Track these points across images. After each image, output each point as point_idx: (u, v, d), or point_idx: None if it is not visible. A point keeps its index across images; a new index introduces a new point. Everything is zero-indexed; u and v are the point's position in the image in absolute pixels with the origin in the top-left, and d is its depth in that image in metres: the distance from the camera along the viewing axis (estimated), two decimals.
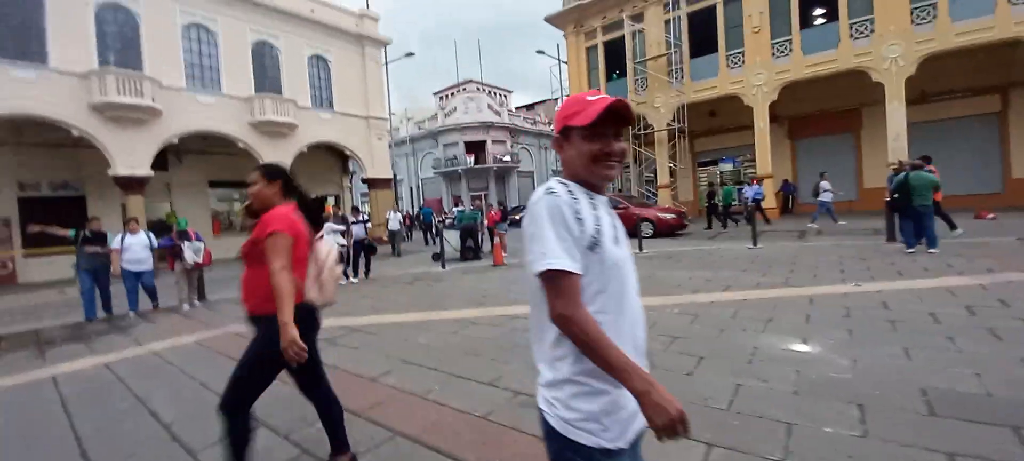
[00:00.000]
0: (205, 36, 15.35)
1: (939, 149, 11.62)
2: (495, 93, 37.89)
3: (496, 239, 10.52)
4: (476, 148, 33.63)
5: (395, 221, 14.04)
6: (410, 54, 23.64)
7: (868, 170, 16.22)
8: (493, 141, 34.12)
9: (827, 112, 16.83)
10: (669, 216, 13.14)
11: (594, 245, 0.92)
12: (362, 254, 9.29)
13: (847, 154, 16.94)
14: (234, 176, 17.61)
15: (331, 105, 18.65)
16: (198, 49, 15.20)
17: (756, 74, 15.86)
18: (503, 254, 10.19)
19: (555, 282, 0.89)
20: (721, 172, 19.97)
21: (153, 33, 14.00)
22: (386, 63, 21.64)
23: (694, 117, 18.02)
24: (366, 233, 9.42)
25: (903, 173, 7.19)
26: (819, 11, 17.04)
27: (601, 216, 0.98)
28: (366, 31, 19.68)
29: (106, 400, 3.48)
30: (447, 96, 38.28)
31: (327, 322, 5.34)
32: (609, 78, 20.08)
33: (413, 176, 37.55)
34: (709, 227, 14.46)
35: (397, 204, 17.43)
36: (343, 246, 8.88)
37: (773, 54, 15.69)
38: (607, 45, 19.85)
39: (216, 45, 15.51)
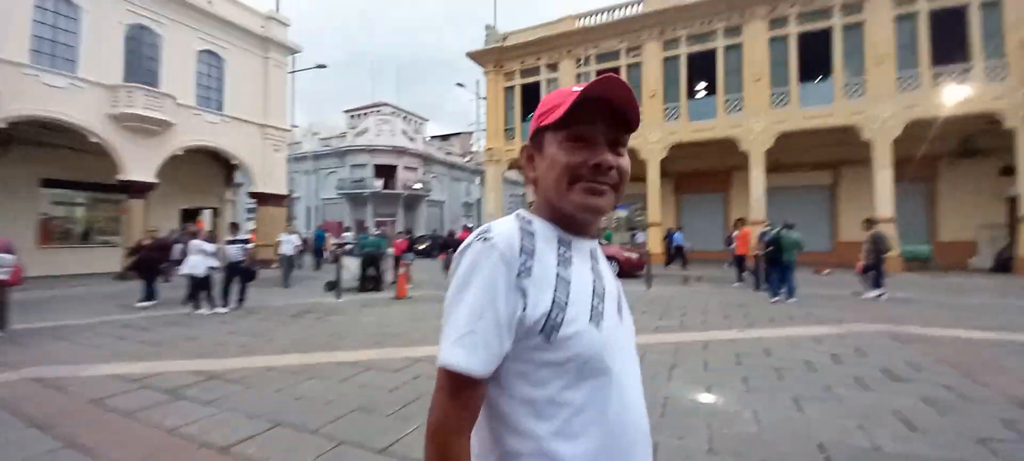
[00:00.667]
0: (65, 8, 12.74)
1: (785, 211, 13.76)
2: (410, 119, 37.20)
3: (401, 269, 9.88)
4: (386, 172, 32.38)
5: (289, 244, 11.98)
6: (321, 65, 22.18)
7: (734, 222, 18.65)
8: (404, 167, 33.18)
9: (704, 172, 19.20)
10: (633, 256, 13.21)
11: (548, 327, 0.63)
12: (236, 280, 8.04)
13: (718, 210, 19.37)
14: (79, 175, 14.58)
15: (220, 107, 16.54)
16: (53, 21, 12.52)
17: (651, 132, 17.58)
18: (408, 287, 9.58)
19: (445, 380, 0.63)
20: (616, 218, 21.52)
21: None
22: (293, 71, 20.01)
23: None
24: (244, 255, 8.18)
25: (776, 230, 8.27)
26: (702, 85, 19.70)
27: (575, 276, 0.67)
28: (273, 35, 18.06)
29: None
30: (359, 115, 36.63)
31: (172, 366, 4.41)
32: (524, 118, 20.82)
33: (313, 195, 34.71)
34: None
35: (291, 224, 15.65)
36: (212, 269, 7.60)
37: (665, 116, 17.58)
38: (524, 87, 20.66)
39: (78, 20, 12.93)
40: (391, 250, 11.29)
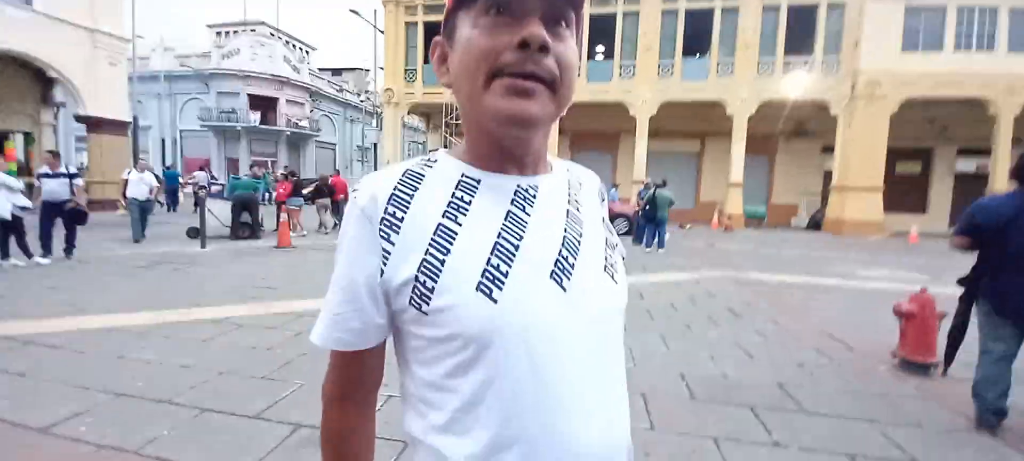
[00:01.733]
0: None
1: (661, 174, 15.32)
2: (295, 46, 32.82)
3: (284, 216, 8.95)
4: (264, 105, 28.44)
5: (140, 185, 8.74)
6: None
7: (622, 182, 20.35)
8: (288, 100, 29.50)
9: (598, 132, 20.38)
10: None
11: (416, 296, 0.49)
12: (59, 222, 6.56)
13: (607, 169, 20.89)
14: None
15: (29, 1, 12.73)
16: None
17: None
18: (291, 235, 8.76)
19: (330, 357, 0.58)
20: None
21: None
22: None
23: None
24: (72, 192, 6.64)
25: (652, 190, 9.18)
26: (600, 49, 20.47)
27: (470, 227, 0.51)
28: None
29: None
30: (228, 33, 31.22)
31: None
32: (426, 60, 19.66)
33: (169, 126, 29.21)
34: None
35: (139, 159, 12.89)
36: (22, 208, 6.08)
37: None
38: (428, 25, 19.36)
39: None
40: (273, 193, 10.13)
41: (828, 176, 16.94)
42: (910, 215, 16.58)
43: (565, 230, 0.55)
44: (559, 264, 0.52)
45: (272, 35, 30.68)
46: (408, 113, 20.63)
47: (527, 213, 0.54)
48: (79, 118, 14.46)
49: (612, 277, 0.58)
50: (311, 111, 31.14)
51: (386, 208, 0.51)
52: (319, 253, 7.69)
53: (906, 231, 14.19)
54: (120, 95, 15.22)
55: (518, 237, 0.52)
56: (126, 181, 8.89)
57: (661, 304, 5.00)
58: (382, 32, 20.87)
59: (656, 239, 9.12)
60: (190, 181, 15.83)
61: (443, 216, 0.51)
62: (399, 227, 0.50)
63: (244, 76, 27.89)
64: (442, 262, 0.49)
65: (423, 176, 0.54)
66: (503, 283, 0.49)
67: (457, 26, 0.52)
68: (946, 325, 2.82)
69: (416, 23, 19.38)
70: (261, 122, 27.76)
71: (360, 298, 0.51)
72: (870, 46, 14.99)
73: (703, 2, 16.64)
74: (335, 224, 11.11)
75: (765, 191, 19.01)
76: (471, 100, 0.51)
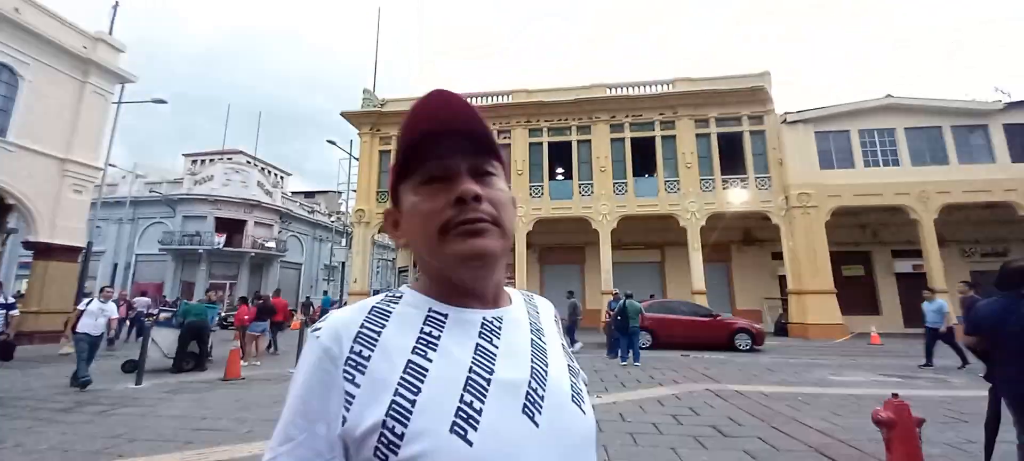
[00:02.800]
0: None
1: (627, 283, 15.61)
2: (269, 171, 33.82)
3: (235, 343, 8.34)
4: (231, 228, 28.24)
5: (99, 317, 7.10)
6: (160, 100, 19.06)
7: (591, 294, 20.57)
8: (256, 222, 29.46)
9: (564, 246, 21.12)
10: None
11: (383, 444, 0.45)
12: None
13: (576, 279, 21.25)
14: None
15: (3, 132, 12.86)
16: None
17: (519, 207, 18.90)
18: (242, 364, 8.10)
19: None
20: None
21: None
22: (120, 102, 16.74)
23: None
24: (4, 324, 6.06)
25: (622, 300, 9.29)
26: (560, 170, 22.20)
27: (440, 364, 0.50)
28: (98, 57, 15.09)
29: None
30: (203, 161, 31.99)
31: None
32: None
33: (125, 250, 28.17)
34: None
35: (104, 288, 11.96)
36: None
37: (531, 194, 19.17)
38: None
39: None
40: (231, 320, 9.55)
41: (782, 280, 17.82)
42: (866, 316, 17.35)
43: (532, 361, 0.56)
44: (530, 397, 0.52)
45: (248, 162, 31.70)
46: (378, 231, 20.89)
47: (495, 345, 0.54)
48: (28, 244, 13.79)
49: (580, 406, 0.57)
50: (279, 232, 31.03)
51: (351, 347, 0.49)
52: (271, 386, 7.08)
53: (866, 332, 14.68)
54: (79, 221, 14.83)
55: (489, 371, 0.51)
56: (80, 312, 7.14)
57: (644, 426, 4.77)
58: (356, 159, 22.00)
59: (631, 351, 9.00)
60: (132, 309, 14.72)
61: (412, 352, 0.50)
62: (365, 367, 0.48)
63: (214, 200, 28.05)
64: (412, 403, 0.46)
65: (390, 313, 0.54)
66: (478, 422, 0.47)
67: (402, 196, 0.59)
68: (926, 430, 2.84)
69: (389, 151, 20.67)
70: (226, 244, 27.27)
71: (318, 448, 0.46)
72: (793, 164, 17.00)
73: (644, 131, 18.85)
74: (271, 346, 10.52)
75: (727, 297, 19.58)
76: (431, 253, 0.55)
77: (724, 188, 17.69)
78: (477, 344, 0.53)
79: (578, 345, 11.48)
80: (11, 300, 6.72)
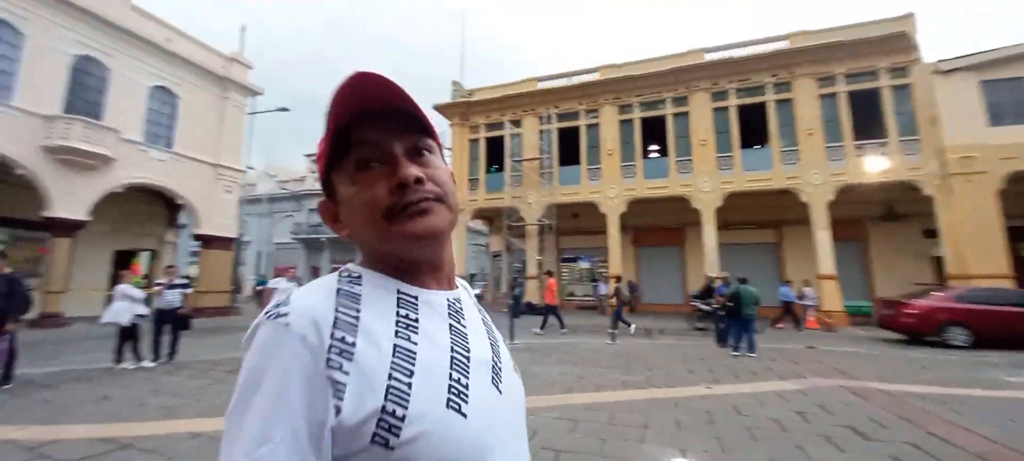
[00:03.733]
0: (7, 34, 11.94)
1: (735, 266, 14.30)
2: None
3: None
4: None
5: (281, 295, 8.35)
6: (284, 109, 21.81)
7: (693, 279, 19.30)
8: None
9: (662, 227, 20.02)
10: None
11: (383, 431, 0.44)
12: (167, 328, 7.22)
13: (675, 264, 20.07)
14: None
15: (169, 144, 15.71)
16: None
17: (610, 188, 18.28)
18: None
19: None
20: (580, 268, 21.83)
21: None
22: (253, 112, 19.51)
23: (561, 216, 19.73)
24: (182, 301, 7.44)
25: (735, 285, 8.54)
26: (654, 148, 20.97)
27: (425, 345, 0.50)
28: (234, 76, 17.70)
29: None
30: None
31: (73, 432, 3.78)
32: (488, 169, 21.16)
33: (265, 240, 33.01)
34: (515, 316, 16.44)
35: (285, 270, 14.23)
36: (140, 316, 6.85)
37: (623, 174, 18.40)
38: (489, 140, 21.16)
39: (19, 47, 12.12)
40: None
41: (937, 263, 14.99)
42: None
43: (487, 337, 0.60)
44: (494, 369, 0.57)
45: None
46: (472, 218, 21.77)
47: (463, 326, 0.57)
48: (197, 236, 16.77)
49: (513, 372, 0.63)
50: None
51: (333, 334, 0.46)
52: None
53: None
54: (230, 216, 17.64)
55: (466, 350, 0.54)
56: (271, 291, 8.73)
57: (764, 420, 4.36)
58: (449, 149, 23.04)
59: (745, 341, 8.27)
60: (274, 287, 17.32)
61: (396, 337, 0.49)
62: (351, 354, 0.46)
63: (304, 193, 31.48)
64: (408, 385, 0.47)
65: (358, 295, 0.51)
66: (467, 396, 0.50)
67: (337, 186, 0.57)
68: None
69: (478, 139, 21.28)
70: None
71: (302, 449, 0.42)
72: (951, 122, 14.02)
73: (753, 97, 16.86)
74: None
75: (862, 282, 17.06)
76: (380, 240, 0.54)
77: (857, 155, 15.27)
78: (450, 325, 0.55)
79: (632, 327, 11.18)
80: (185, 280, 8.23)
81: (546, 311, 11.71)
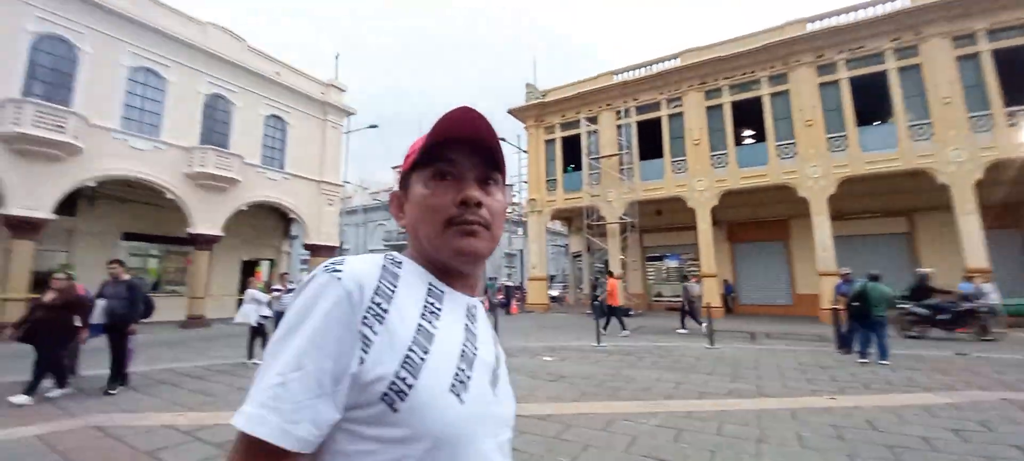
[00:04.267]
0: (153, 80, 14.42)
1: (855, 261, 12.50)
2: None
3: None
4: None
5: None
6: (373, 126, 23.69)
7: (801, 277, 17.34)
8: None
9: (761, 220, 18.26)
10: None
11: (392, 392, 0.51)
12: None
13: (779, 260, 18.16)
14: (154, 229, 15.78)
15: (282, 166, 17.76)
16: (142, 92, 14.15)
17: (698, 180, 17.09)
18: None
19: (240, 449, 0.49)
20: (666, 268, 20.70)
21: (94, 70, 12.89)
22: (348, 132, 21.39)
23: (643, 214, 18.88)
24: None
25: (862, 282, 7.46)
26: (748, 133, 19.22)
27: (443, 332, 0.57)
28: (331, 100, 19.57)
29: None
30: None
31: (223, 418, 4.30)
32: (565, 169, 20.95)
33: (361, 247, 36.07)
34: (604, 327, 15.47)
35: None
36: (264, 317, 7.75)
37: (712, 164, 17.09)
38: (565, 140, 20.95)
39: (164, 91, 14.56)
40: None
41: None
42: None
43: (494, 346, 0.67)
44: (494, 373, 0.63)
45: None
46: (551, 219, 21.70)
47: (474, 329, 0.64)
48: (306, 246, 18.75)
49: (510, 386, 0.69)
50: None
51: (372, 298, 0.54)
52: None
53: None
54: (333, 226, 19.48)
55: (474, 349, 0.61)
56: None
57: (908, 438, 3.71)
58: (525, 152, 23.21)
59: (875, 346, 7.20)
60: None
61: (421, 317, 0.57)
62: (383, 318, 0.53)
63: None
64: (422, 360, 0.53)
65: (398, 275, 0.59)
66: (468, 386, 0.56)
67: (411, 185, 0.65)
68: None
69: (554, 140, 21.15)
70: None
71: (324, 385, 0.49)
72: None
73: (869, 67, 14.69)
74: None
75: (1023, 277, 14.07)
76: (430, 240, 0.62)
77: (1010, 125, 12.67)
78: (465, 324, 0.63)
79: (703, 324, 10.63)
80: (295, 286, 9.23)
81: (609, 313, 11.54)
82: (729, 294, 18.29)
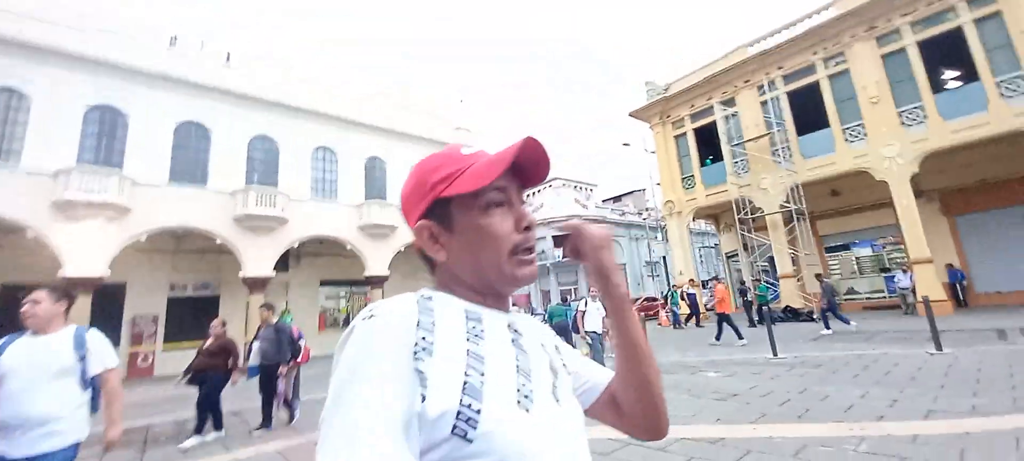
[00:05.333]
0: (329, 156, 17.77)
1: None
2: (580, 187, 38.40)
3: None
4: (564, 242, 33.61)
5: (595, 316, 7.74)
6: None
7: None
8: None
9: (993, 181, 13.81)
10: None
11: (462, 422, 0.48)
12: None
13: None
14: (342, 275, 19.03)
15: None
16: (322, 166, 17.55)
17: (885, 146, 13.79)
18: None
19: None
20: (856, 258, 16.98)
21: (289, 156, 16.56)
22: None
23: (813, 197, 15.94)
24: None
25: None
26: (950, 74, 14.91)
27: (492, 351, 0.55)
28: (460, 140, 21.52)
29: None
30: (534, 193, 39.60)
31: None
32: (703, 162, 19.06)
33: None
34: (751, 325, 13.60)
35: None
36: None
37: (902, 123, 13.65)
38: (697, 131, 19.16)
39: (336, 162, 17.81)
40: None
41: None
42: None
43: (549, 358, 0.65)
44: (554, 386, 0.62)
45: (563, 184, 37.07)
46: (693, 219, 19.85)
47: (522, 344, 0.62)
48: None
49: (575, 398, 0.68)
50: None
51: (417, 333, 0.52)
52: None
53: None
54: None
55: (527, 361, 0.59)
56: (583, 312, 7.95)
57: None
58: (652, 152, 21.88)
59: None
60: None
61: (467, 341, 0.55)
62: (432, 350, 0.51)
63: (547, 222, 34.08)
64: (481, 384, 0.51)
65: (432, 308, 0.57)
66: (532, 398, 0.55)
67: (453, 216, 0.63)
68: None
69: (684, 133, 19.48)
70: (563, 257, 32.52)
71: (396, 435, 0.46)
72: None
73: None
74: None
75: None
76: (492, 268, 0.62)
77: None
78: (511, 339, 0.61)
79: (852, 325, 10.53)
80: None
81: (720, 320, 10.78)
82: (958, 282, 14.09)
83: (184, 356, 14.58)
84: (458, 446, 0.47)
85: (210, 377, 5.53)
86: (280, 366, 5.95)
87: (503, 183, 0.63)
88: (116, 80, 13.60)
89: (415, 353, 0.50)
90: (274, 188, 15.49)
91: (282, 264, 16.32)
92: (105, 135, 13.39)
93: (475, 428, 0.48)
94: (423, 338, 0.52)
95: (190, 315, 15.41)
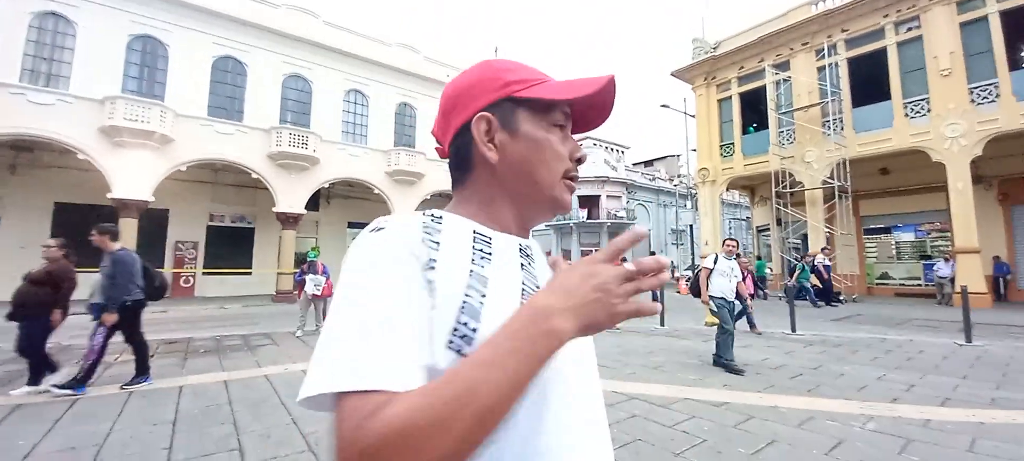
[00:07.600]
0: (360, 99, 17.83)
1: None
2: (611, 148, 37.40)
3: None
4: (589, 203, 33.11)
5: (728, 276, 6.87)
6: None
7: None
8: (607, 196, 33.26)
9: None
10: None
11: (457, 340, 0.47)
12: None
13: None
14: (369, 218, 19.47)
15: None
16: (354, 109, 17.66)
17: (949, 125, 12.71)
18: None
19: (342, 415, 0.40)
20: (896, 242, 16.17)
21: (322, 97, 16.69)
22: None
23: (859, 175, 15.05)
24: None
25: None
26: None
27: (496, 275, 0.53)
28: None
29: (203, 426, 3.43)
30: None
31: None
32: (745, 130, 18.14)
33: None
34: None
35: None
36: None
37: (973, 100, 12.49)
38: (743, 96, 18.11)
39: (367, 106, 17.87)
40: None
41: None
42: None
43: None
44: None
45: (594, 144, 36.15)
46: (727, 189, 19.18)
47: (533, 268, 0.60)
48: None
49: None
50: (627, 202, 33.87)
51: (425, 247, 0.51)
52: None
53: None
54: None
55: (534, 286, 0.57)
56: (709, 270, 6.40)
57: None
58: (692, 116, 20.91)
59: None
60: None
61: (471, 262, 0.53)
62: (435, 265, 0.50)
63: (577, 182, 33.72)
64: (481, 303, 0.50)
65: (439, 228, 0.55)
66: None
67: (517, 119, 0.60)
68: None
69: (729, 97, 18.45)
70: (587, 217, 32.27)
71: (415, 337, 0.45)
72: None
73: None
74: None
75: None
76: (545, 184, 0.60)
77: None
78: (521, 263, 0.58)
79: (843, 300, 10.67)
80: None
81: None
82: (1003, 275, 13.32)
83: (221, 282, 15.72)
84: (453, 361, 0.46)
85: (30, 314, 4.20)
86: (131, 308, 4.48)
87: (569, 111, 0.63)
88: (157, 10, 13.82)
89: (425, 266, 0.49)
90: (306, 129, 15.76)
91: (313, 204, 16.86)
92: (147, 66, 13.79)
93: (470, 345, 0.47)
94: (428, 254, 0.51)
95: (228, 244, 16.32)
